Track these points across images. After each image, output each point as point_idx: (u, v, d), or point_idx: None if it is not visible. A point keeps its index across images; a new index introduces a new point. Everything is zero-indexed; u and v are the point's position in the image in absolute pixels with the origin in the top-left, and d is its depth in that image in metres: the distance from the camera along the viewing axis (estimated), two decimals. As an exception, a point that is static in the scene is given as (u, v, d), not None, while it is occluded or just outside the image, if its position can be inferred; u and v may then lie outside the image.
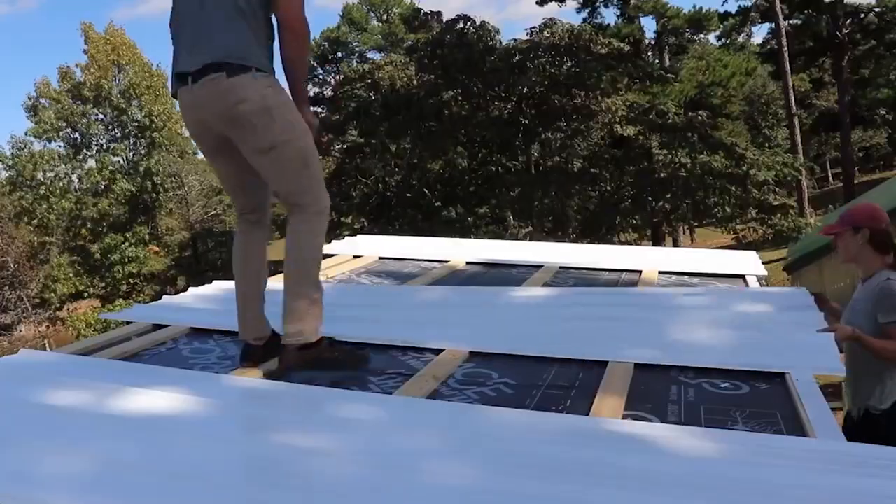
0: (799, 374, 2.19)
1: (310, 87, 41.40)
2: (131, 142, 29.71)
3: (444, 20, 18.68)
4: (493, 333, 2.79)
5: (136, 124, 29.17)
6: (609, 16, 34.35)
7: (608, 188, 18.76)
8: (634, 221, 19.33)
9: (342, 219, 19.52)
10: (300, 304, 2.33)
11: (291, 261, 2.36)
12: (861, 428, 2.77)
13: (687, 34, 33.47)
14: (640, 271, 4.13)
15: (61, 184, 28.43)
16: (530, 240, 14.97)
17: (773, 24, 25.61)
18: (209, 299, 3.52)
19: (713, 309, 3.09)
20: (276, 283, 2.60)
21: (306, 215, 2.37)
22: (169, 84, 2.42)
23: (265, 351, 2.50)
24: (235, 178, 2.49)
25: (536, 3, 29.13)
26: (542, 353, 2.53)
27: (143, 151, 29.43)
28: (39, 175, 28.13)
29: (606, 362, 2.38)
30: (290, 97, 2.38)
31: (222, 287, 3.71)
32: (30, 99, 28.82)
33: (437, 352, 2.57)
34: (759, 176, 16.89)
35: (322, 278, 3.89)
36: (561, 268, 4.28)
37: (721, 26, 32.35)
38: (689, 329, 2.75)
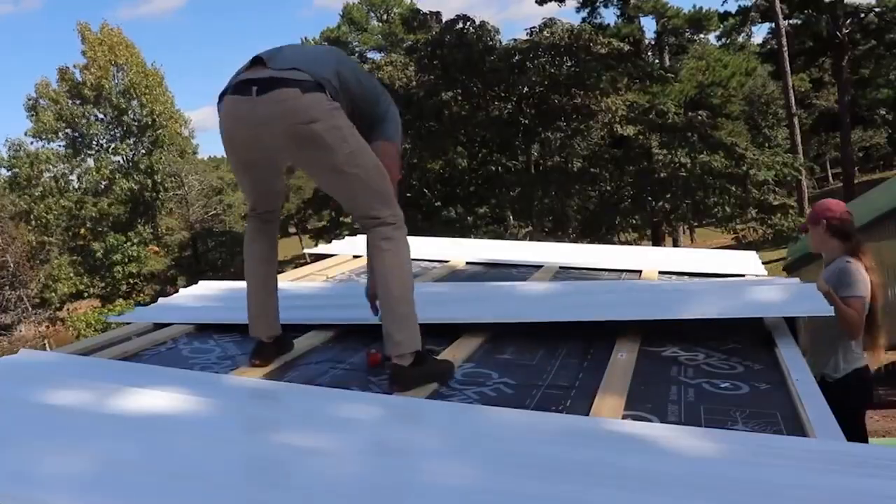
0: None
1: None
2: (131, 141, 29.69)
3: (444, 20, 18.68)
4: (508, 307, 3.02)
5: (137, 123, 29.17)
6: (609, 16, 34.45)
7: (608, 188, 18.77)
8: (634, 221, 19.35)
9: (342, 219, 19.52)
10: (401, 319, 2.23)
11: (386, 281, 2.23)
12: None
13: (687, 34, 33.49)
14: (639, 271, 4.14)
15: (59, 184, 28.42)
16: (530, 240, 14.97)
17: (773, 24, 25.61)
18: (207, 298, 3.53)
19: (711, 283, 3.48)
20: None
21: (388, 229, 2.27)
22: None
23: (276, 348, 2.52)
24: (265, 186, 2.44)
25: (536, 2, 29.16)
26: (555, 319, 2.73)
27: (143, 151, 29.42)
28: (36, 174, 28.13)
29: (611, 352, 2.44)
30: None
31: (218, 286, 3.72)
32: (29, 100, 28.87)
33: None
34: (759, 176, 16.90)
35: (322, 278, 3.91)
36: (561, 268, 4.29)
37: (721, 26, 32.37)
38: (689, 296, 3.07)
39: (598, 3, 30.36)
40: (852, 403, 3.09)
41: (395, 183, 2.38)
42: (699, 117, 18.69)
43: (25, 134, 28.69)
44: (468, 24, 17.91)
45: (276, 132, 2.13)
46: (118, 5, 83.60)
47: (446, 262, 4.52)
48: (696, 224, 21.46)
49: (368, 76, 2.43)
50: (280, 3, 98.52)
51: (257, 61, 2.19)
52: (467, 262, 4.53)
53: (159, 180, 28.70)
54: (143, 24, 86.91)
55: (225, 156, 2.41)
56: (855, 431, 2.96)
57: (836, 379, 3.13)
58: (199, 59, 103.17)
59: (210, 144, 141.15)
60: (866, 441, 3.24)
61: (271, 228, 2.52)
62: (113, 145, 29.57)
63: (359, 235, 5.64)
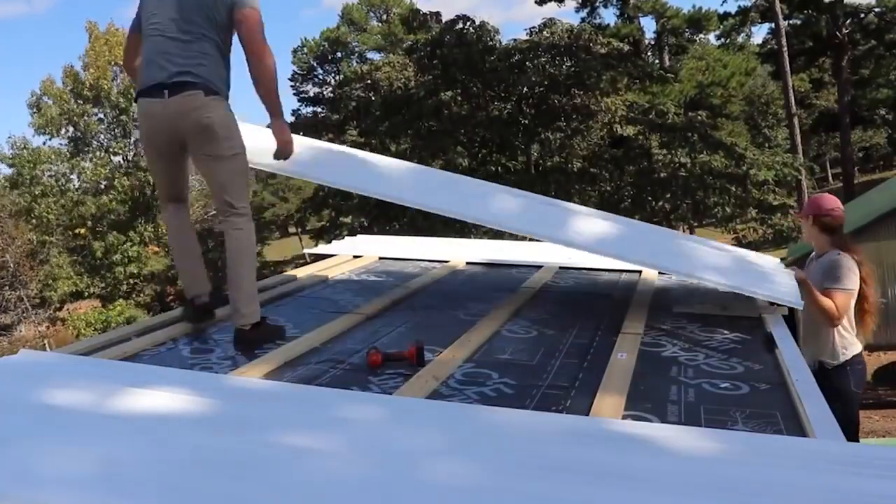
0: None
1: (310, 87, 41.67)
2: (131, 141, 29.64)
3: (444, 20, 18.68)
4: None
5: (136, 124, 29.07)
6: (608, 16, 34.45)
7: (608, 188, 18.75)
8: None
9: (342, 218, 19.49)
10: (247, 294, 2.74)
11: (239, 263, 2.75)
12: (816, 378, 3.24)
13: (687, 34, 33.49)
14: (639, 271, 4.14)
15: (60, 182, 28.35)
16: (530, 240, 14.94)
17: (773, 24, 25.60)
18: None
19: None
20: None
21: (241, 219, 2.80)
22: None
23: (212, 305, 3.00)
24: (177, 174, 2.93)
25: (536, 2, 29.13)
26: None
27: (132, 151, 29.30)
28: (38, 173, 28.07)
29: (610, 352, 2.43)
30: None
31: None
32: (33, 96, 28.78)
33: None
34: (759, 176, 16.89)
35: (322, 279, 3.92)
36: (561, 268, 4.29)
37: (721, 26, 32.36)
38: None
39: (597, 3, 30.37)
40: (850, 388, 3.33)
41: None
42: (699, 117, 18.66)
43: (29, 126, 28.64)
44: (468, 24, 17.90)
45: (185, 124, 2.67)
46: (129, 5, 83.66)
47: (446, 262, 4.53)
48: (696, 224, 21.44)
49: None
50: (288, 1, 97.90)
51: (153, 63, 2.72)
52: (467, 263, 4.53)
53: (158, 179, 28.49)
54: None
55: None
56: (849, 416, 3.25)
57: (835, 366, 3.33)
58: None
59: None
60: (857, 426, 3.45)
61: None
62: (113, 145, 29.51)
63: (359, 236, 5.64)
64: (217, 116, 2.68)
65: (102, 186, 28.38)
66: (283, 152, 2.88)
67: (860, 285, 3.37)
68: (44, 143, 28.80)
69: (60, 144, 29.11)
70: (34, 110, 28.58)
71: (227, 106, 2.76)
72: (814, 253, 3.65)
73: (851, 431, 3.36)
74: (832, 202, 3.54)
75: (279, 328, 2.87)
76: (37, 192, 27.34)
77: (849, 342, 3.36)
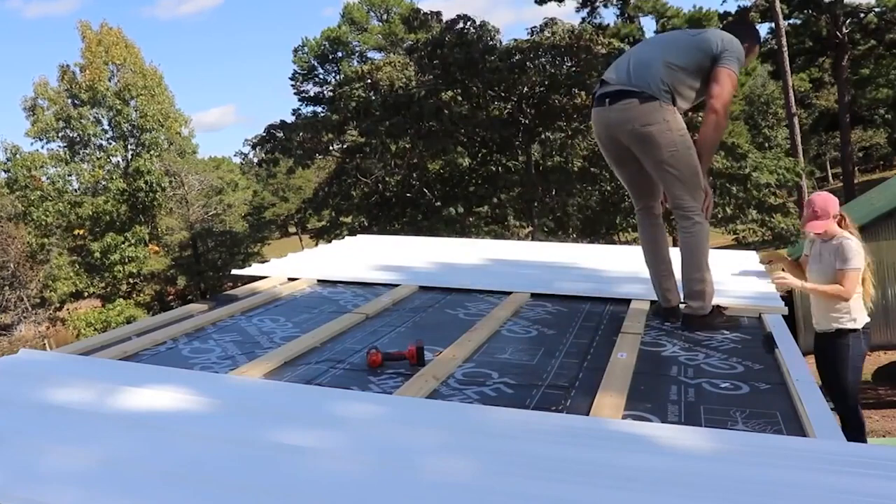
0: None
1: (310, 86, 41.70)
2: (131, 142, 29.58)
3: (444, 20, 18.66)
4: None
5: (133, 125, 29.03)
6: (609, 16, 34.42)
7: (608, 188, 18.74)
8: (635, 221, 19.26)
9: (342, 218, 19.49)
10: (696, 285, 2.93)
11: (682, 258, 2.98)
12: (826, 340, 3.96)
13: (687, 34, 33.37)
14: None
15: (57, 186, 28.27)
16: (531, 240, 14.96)
17: (773, 24, 25.58)
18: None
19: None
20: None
21: (688, 223, 2.98)
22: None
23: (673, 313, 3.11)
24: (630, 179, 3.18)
25: (536, 2, 29.10)
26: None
27: (129, 155, 29.24)
28: (35, 175, 27.98)
29: (610, 352, 2.42)
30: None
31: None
32: (27, 100, 28.60)
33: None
34: (760, 178, 16.88)
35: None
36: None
37: (720, 26, 32.28)
38: None
39: (597, 3, 30.32)
40: (864, 348, 3.92)
41: (724, 105, 2.95)
42: (699, 117, 18.62)
43: (25, 135, 28.52)
44: (468, 24, 17.88)
45: (624, 131, 2.88)
46: (155, 4, 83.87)
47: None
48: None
49: (690, 42, 3.03)
50: (307, 2, 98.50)
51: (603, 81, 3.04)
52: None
53: (153, 180, 28.35)
54: (180, 25, 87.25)
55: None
56: (856, 376, 3.90)
57: (853, 330, 3.86)
58: (219, 58, 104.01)
59: (214, 144, 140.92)
60: (858, 389, 3.95)
61: (650, 220, 3.20)
62: (111, 145, 29.45)
63: (347, 238, 5.64)
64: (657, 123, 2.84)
65: (101, 186, 28.34)
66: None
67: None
68: (42, 147, 28.73)
69: (59, 147, 29.03)
70: (30, 114, 28.45)
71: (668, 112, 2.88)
72: (812, 235, 4.02)
73: (854, 392, 3.91)
74: (829, 196, 4.04)
75: (733, 321, 3.01)
76: (34, 197, 27.27)
77: (863, 311, 3.90)
